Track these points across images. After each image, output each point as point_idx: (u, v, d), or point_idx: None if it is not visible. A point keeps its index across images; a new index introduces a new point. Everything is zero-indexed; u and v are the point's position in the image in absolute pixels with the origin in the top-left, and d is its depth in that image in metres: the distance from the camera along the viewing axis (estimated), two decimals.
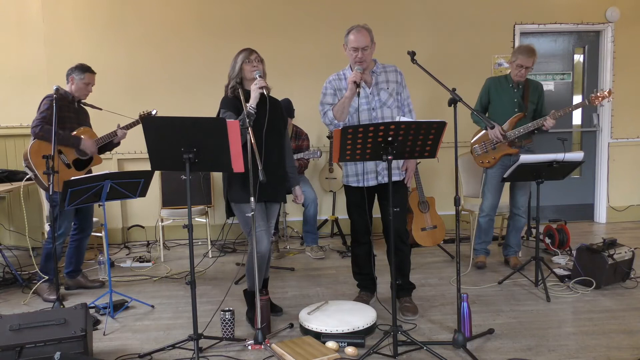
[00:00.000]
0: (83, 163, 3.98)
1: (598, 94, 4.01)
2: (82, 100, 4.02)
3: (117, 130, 4.04)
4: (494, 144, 4.20)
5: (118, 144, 4.18)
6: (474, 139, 4.37)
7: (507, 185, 4.37)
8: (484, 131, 4.28)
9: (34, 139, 3.78)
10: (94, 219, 4.71)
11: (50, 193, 3.38)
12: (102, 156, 4.17)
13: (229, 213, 3.31)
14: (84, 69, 3.94)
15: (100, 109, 4.05)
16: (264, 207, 3.25)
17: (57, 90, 3.66)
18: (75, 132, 3.92)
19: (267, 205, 3.31)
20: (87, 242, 4.20)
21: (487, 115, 4.28)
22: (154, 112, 4.15)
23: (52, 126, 3.72)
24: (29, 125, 3.83)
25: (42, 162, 3.72)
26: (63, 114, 3.83)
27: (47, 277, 3.90)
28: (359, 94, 3.17)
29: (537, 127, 4.05)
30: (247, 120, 2.89)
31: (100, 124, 4.23)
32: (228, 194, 3.23)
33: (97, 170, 3.83)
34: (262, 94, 3.05)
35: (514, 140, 4.14)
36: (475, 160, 4.35)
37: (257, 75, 3.08)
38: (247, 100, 3.07)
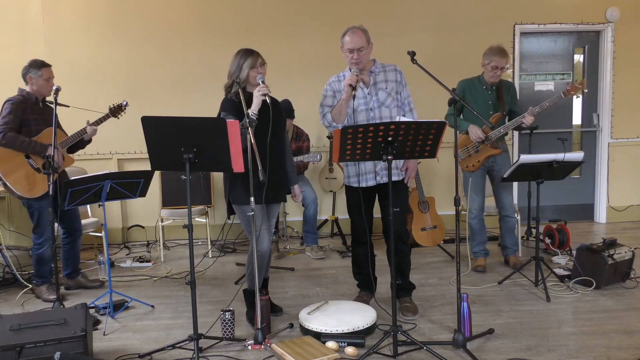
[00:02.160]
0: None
1: (574, 84, 3.97)
2: (47, 99, 3.88)
3: (87, 127, 3.89)
4: (476, 147, 4.18)
5: (89, 141, 4.02)
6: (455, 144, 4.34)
7: (489, 187, 4.38)
8: (463, 135, 4.23)
9: None
10: (94, 219, 4.73)
11: (50, 193, 3.36)
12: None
13: (230, 212, 3.31)
14: (38, 65, 3.78)
15: (68, 106, 3.86)
16: (265, 207, 3.25)
17: (57, 90, 3.56)
18: (41, 134, 3.76)
19: (268, 205, 3.31)
20: (80, 243, 4.15)
21: (461, 117, 4.26)
22: (124, 104, 4.01)
23: (14, 132, 3.62)
24: None
25: (9, 170, 3.65)
26: (27, 117, 3.71)
27: (40, 281, 3.91)
28: (354, 97, 3.17)
29: (517, 125, 4.05)
30: (249, 128, 2.88)
31: (74, 121, 4.07)
32: (230, 195, 3.23)
33: (95, 170, 3.82)
34: (264, 100, 3.05)
35: (495, 140, 4.14)
36: (459, 165, 4.34)
37: (259, 81, 3.07)
38: (248, 102, 3.08)
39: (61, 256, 4.09)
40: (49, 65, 3.84)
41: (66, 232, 4.03)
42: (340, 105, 3.23)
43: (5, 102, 3.73)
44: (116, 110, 4.01)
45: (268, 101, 3.03)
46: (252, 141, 2.85)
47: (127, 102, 4.03)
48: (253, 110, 3.03)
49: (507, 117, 4.20)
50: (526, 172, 3.70)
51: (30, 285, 3.98)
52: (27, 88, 3.82)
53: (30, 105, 3.77)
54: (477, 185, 4.28)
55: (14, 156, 3.68)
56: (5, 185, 3.69)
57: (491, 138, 4.11)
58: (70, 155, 3.98)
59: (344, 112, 3.25)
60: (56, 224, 4.01)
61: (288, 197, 3.53)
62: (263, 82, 3.06)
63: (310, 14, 5.64)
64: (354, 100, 3.21)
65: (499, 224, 4.49)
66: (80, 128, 3.94)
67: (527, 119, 3.99)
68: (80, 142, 3.97)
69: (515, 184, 5.86)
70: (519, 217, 4.68)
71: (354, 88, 3.12)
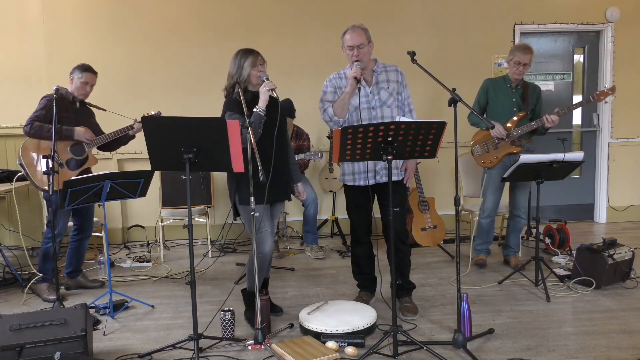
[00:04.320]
0: (77, 163, 3.96)
1: (604, 90, 4.00)
2: (85, 101, 3.99)
3: (135, 124, 4.00)
4: (495, 143, 4.20)
5: (133, 137, 4.13)
6: (474, 139, 4.36)
7: (506, 185, 4.37)
8: (483, 131, 4.28)
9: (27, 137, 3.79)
10: (94, 219, 4.72)
11: (50, 193, 3.37)
12: (101, 157, 4.16)
13: (236, 214, 3.30)
14: (83, 69, 3.92)
15: (104, 110, 4.04)
16: (269, 208, 3.25)
17: (57, 90, 3.66)
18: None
19: (272, 205, 3.31)
20: (88, 243, 4.19)
21: (484, 116, 4.27)
22: (158, 114, 4.03)
23: (43, 123, 3.74)
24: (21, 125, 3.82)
25: (33, 161, 3.75)
26: (61, 114, 3.78)
27: (40, 277, 3.92)
28: (359, 89, 3.18)
29: (541, 124, 4.04)
30: (249, 127, 2.87)
31: (102, 125, 4.21)
32: (238, 196, 3.20)
33: (97, 170, 3.83)
34: (271, 97, 3.06)
35: (515, 139, 4.14)
36: (476, 161, 4.35)
37: (264, 78, 3.07)
38: (251, 101, 3.08)
39: (66, 253, 4.12)
40: (93, 73, 3.97)
41: (77, 229, 4.08)
42: (344, 98, 3.22)
43: (42, 98, 3.85)
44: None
45: (275, 96, 3.04)
46: (253, 141, 2.85)
47: (160, 112, 4.04)
48: (260, 106, 3.04)
49: (529, 119, 4.19)
50: (526, 172, 3.70)
51: (33, 281, 3.99)
52: (69, 87, 3.94)
53: (65, 103, 3.87)
54: (494, 184, 4.27)
55: (40, 149, 3.79)
56: (27, 175, 3.79)
57: (512, 136, 4.11)
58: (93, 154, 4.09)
59: (346, 106, 3.25)
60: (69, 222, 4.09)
61: (292, 196, 3.53)
62: (267, 79, 3.07)
63: (310, 13, 5.64)
64: (359, 92, 3.21)
65: (506, 222, 4.49)
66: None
67: (553, 117, 3.97)
68: (123, 138, 4.07)
69: None
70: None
71: (358, 81, 3.13)
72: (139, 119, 4.03)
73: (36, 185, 3.82)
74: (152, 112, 4.09)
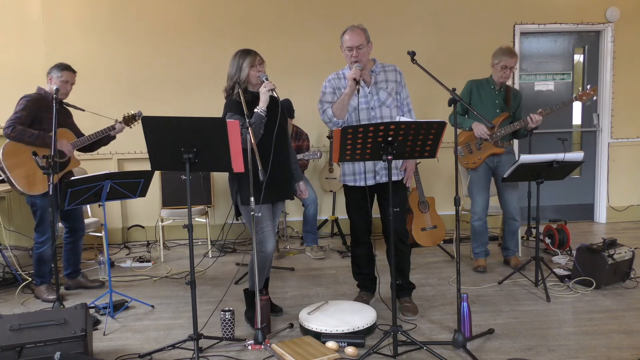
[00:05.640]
0: (59, 165, 3.85)
1: (586, 90, 3.99)
2: (64, 101, 3.92)
3: (116, 125, 3.94)
4: (479, 144, 4.19)
5: (114, 137, 4.06)
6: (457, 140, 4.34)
7: (493, 185, 4.37)
8: (466, 132, 4.26)
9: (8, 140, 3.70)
10: (94, 219, 4.73)
11: (50, 193, 3.37)
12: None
13: (238, 214, 3.30)
14: (61, 67, 3.85)
15: (83, 110, 3.98)
16: (270, 208, 3.25)
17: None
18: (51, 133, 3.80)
19: (274, 204, 3.31)
20: (82, 243, 4.16)
21: (466, 117, 4.26)
22: (138, 114, 4.00)
23: (25, 127, 3.67)
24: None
25: (14, 164, 3.69)
26: (41, 115, 3.75)
27: (38, 281, 3.92)
28: (358, 91, 3.18)
29: (525, 124, 4.04)
30: (250, 127, 2.87)
31: (86, 124, 4.17)
32: (239, 196, 3.20)
33: (97, 169, 3.83)
34: (271, 96, 3.06)
35: (498, 140, 4.14)
36: (459, 162, 4.33)
37: (263, 79, 3.08)
38: (251, 102, 3.08)
39: (62, 256, 4.10)
40: (72, 71, 3.91)
41: (69, 232, 4.06)
42: (343, 99, 3.22)
43: (21, 99, 3.78)
44: (129, 120, 4.02)
45: (276, 96, 3.04)
46: (252, 141, 2.85)
47: (141, 112, 4.01)
48: (261, 107, 3.04)
49: (509, 123, 4.20)
50: (526, 172, 3.70)
51: (30, 279, 3.98)
52: (47, 87, 3.88)
53: (46, 104, 3.80)
54: (480, 185, 4.26)
55: (22, 152, 3.72)
56: (8, 179, 3.72)
57: (496, 136, 4.11)
58: (76, 156, 4.03)
59: (346, 107, 3.25)
60: (59, 223, 4.06)
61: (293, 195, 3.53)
62: (267, 79, 3.07)
63: (310, 13, 5.64)
64: (358, 94, 3.21)
65: (501, 225, 4.47)
66: (84, 128, 4.05)
67: (536, 117, 3.97)
68: (104, 138, 4.00)
69: None
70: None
71: (357, 82, 3.13)
72: (120, 119, 3.99)
73: (16, 189, 3.74)
74: (133, 112, 4.01)
